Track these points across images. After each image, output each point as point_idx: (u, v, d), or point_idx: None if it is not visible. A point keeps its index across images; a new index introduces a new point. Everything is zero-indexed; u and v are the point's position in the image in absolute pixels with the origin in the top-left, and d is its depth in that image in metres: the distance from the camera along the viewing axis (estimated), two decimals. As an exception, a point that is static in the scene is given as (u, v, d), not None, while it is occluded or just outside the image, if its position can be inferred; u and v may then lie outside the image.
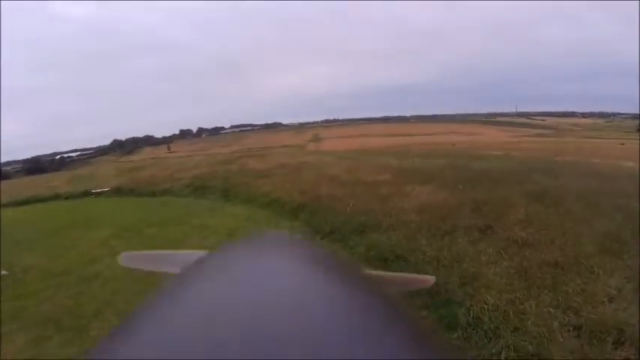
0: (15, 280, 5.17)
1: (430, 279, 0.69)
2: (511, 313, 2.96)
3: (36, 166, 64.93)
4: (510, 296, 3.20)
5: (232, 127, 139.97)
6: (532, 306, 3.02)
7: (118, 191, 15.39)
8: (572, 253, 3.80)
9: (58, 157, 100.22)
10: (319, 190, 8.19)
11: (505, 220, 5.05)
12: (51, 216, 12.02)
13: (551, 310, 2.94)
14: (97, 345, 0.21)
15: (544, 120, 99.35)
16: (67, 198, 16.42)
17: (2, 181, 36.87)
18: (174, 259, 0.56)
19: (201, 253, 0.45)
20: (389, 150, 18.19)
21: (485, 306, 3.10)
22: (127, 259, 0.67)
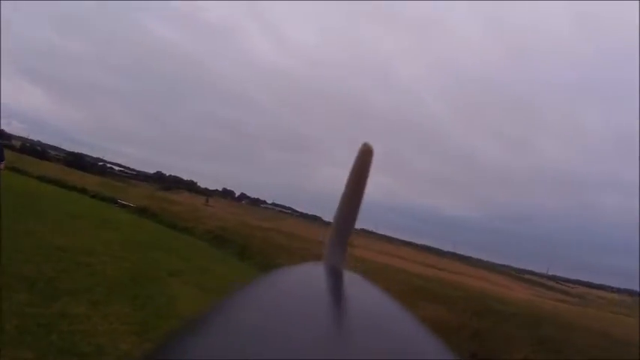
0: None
1: None
2: None
3: (77, 161, 62.52)
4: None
5: (274, 204, 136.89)
6: None
7: (142, 211, 15.67)
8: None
9: (100, 163, 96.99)
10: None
11: (505, 356, 4.96)
12: (70, 201, 12.96)
13: None
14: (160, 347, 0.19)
15: (573, 287, 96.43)
16: (93, 196, 17.22)
17: (44, 162, 35.84)
18: None
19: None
20: (417, 275, 18.08)
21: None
22: None
